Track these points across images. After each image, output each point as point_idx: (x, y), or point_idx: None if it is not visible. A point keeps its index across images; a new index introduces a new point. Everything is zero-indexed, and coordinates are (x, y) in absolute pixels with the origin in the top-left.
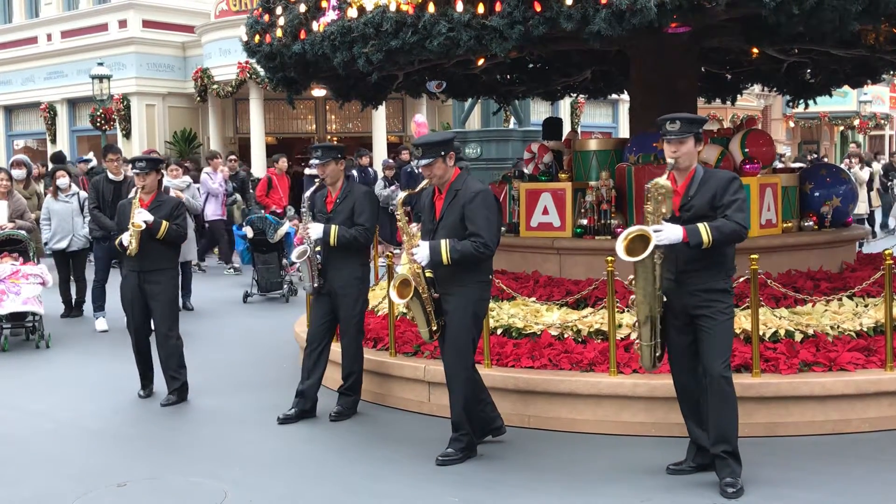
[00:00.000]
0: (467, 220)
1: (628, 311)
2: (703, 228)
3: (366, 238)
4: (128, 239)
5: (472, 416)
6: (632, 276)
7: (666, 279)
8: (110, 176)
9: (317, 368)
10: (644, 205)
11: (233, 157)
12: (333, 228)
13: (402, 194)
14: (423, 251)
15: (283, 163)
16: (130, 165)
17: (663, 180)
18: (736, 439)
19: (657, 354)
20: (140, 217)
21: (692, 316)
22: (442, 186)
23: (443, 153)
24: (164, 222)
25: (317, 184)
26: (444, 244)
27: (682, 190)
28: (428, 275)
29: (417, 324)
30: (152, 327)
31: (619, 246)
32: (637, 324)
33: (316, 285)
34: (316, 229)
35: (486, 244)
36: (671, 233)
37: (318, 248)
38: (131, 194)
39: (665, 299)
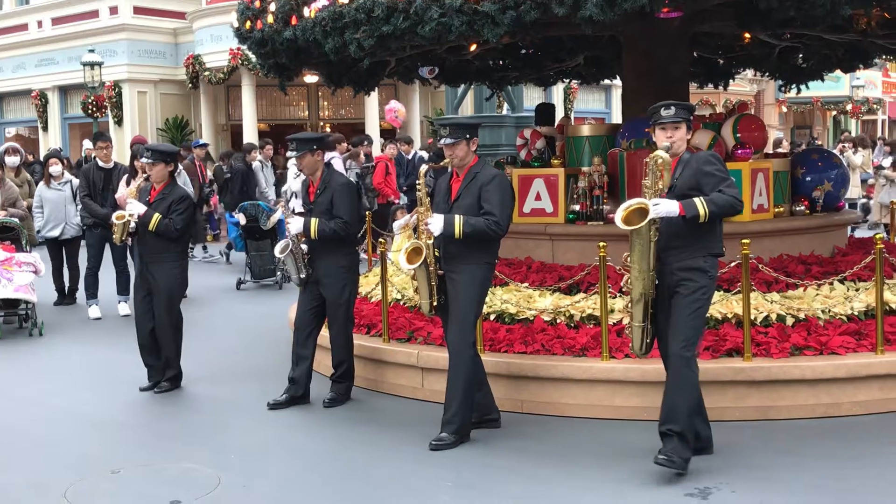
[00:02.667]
0: (483, 199)
1: (620, 296)
2: (699, 201)
3: (345, 231)
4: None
5: (471, 399)
6: (626, 254)
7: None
8: (100, 163)
9: (306, 355)
10: (643, 179)
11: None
12: (313, 222)
13: (424, 167)
14: (437, 222)
15: (392, 149)
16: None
17: (663, 153)
18: (685, 421)
19: (647, 340)
20: (129, 208)
21: (670, 295)
22: (460, 170)
23: (468, 136)
24: (156, 215)
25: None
26: (458, 217)
27: (670, 173)
28: (435, 253)
29: (420, 295)
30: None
31: (619, 216)
32: (630, 302)
33: (303, 276)
34: (296, 224)
35: (498, 223)
36: (668, 206)
37: (302, 239)
38: (139, 182)
39: (657, 282)
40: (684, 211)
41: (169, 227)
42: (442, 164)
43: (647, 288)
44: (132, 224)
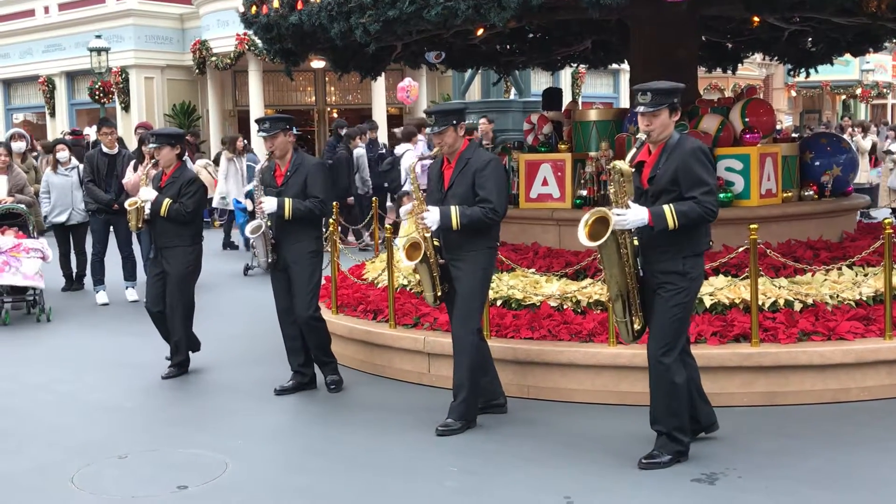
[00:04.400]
0: (478, 186)
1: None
2: (669, 213)
3: (320, 210)
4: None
5: (476, 385)
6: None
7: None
8: (104, 149)
9: (300, 344)
10: (609, 187)
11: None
12: (288, 202)
13: (413, 160)
14: (433, 215)
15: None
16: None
17: (622, 164)
18: (670, 422)
19: (636, 328)
20: (141, 194)
21: (654, 291)
22: (451, 156)
23: (455, 122)
24: (167, 200)
25: (266, 157)
26: (454, 209)
27: (653, 161)
28: (435, 243)
29: (423, 287)
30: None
31: (581, 233)
32: (610, 300)
33: (270, 260)
34: (270, 203)
35: (494, 209)
36: (635, 216)
37: (269, 223)
38: (147, 167)
39: (641, 274)
40: (653, 222)
41: (180, 211)
42: (431, 153)
43: (624, 287)
44: (146, 211)
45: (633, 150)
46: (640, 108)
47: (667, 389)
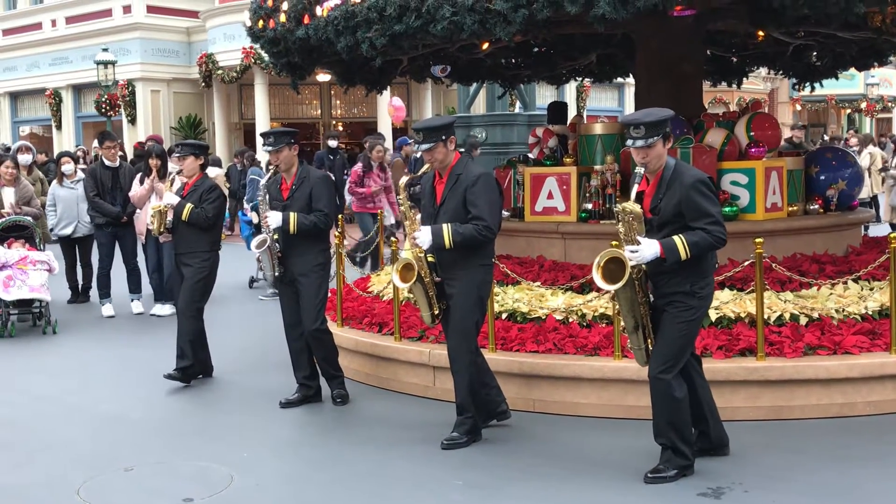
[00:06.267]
0: (469, 203)
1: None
2: (681, 244)
3: (326, 224)
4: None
5: (477, 400)
6: (612, 291)
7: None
8: (106, 163)
9: (306, 357)
10: (618, 226)
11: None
12: (293, 216)
13: (404, 179)
14: (425, 235)
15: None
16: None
17: (632, 205)
18: (673, 437)
19: (651, 351)
20: (165, 199)
21: (661, 312)
22: (443, 171)
23: (444, 137)
24: (189, 205)
25: (272, 170)
26: (447, 228)
27: (652, 190)
28: (430, 259)
29: (420, 308)
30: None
31: (597, 275)
32: (626, 331)
33: (276, 274)
34: (275, 218)
35: (488, 227)
36: (647, 251)
37: (276, 237)
38: (171, 177)
39: (652, 300)
40: (664, 255)
41: (200, 216)
42: (421, 171)
43: (640, 318)
44: (169, 217)
45: (634, 186)
46: (637, 143)
47: (668, 406)
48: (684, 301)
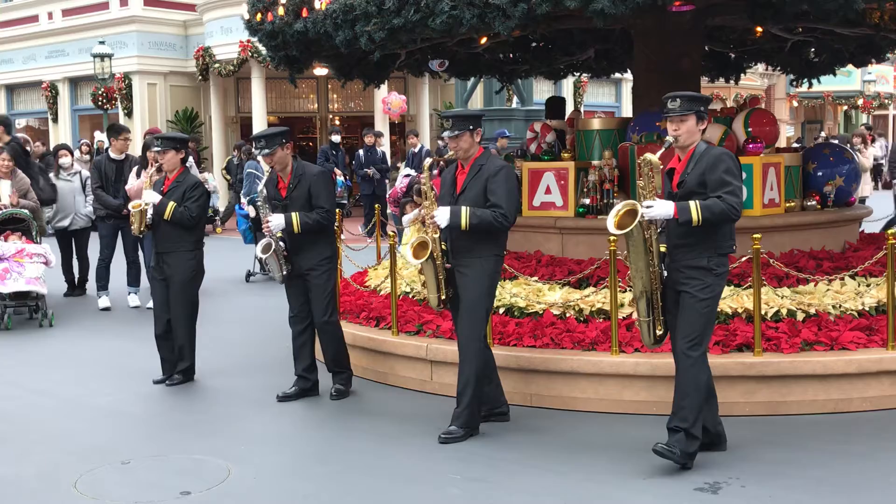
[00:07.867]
0: (489, 192)
1: (630, 290)
2: (694, 207)
3: (328, 220)
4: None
5: (480, 392)
6: (625, 252)
7: (666, 255)
8: (112, 155)
9: (308, 350)
10: (637, 180)
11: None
12: (295, 217)
13: (428, 160)
14: (443, 213)
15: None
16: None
17: (651, 156)
18: (692, 418)
19: (658, 333)
20: (145, 198)
21: (678, 292)
22: (465, 162)
23: (471, 127)
24: (171, 203)
25: (270, 171)
26: (465, 209)
27: (682, 167)
28: (443, 247)
29: (427, 289)
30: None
31: (611, 222)
32: (634, 299)
33: (285, 273)
34: (277, 221)
35: (505, 215)
36: (662, 209)
37: (280, 236)
38: (151, 172)
39: (665, 275)
40: (678, 215)
41: (184, 215)
42: (447, 156)
43: (648, 285)
44: (149, 214)
45: (662, 150)
46: (671, 113)
47: (694, 385)
48: (701, 279)
